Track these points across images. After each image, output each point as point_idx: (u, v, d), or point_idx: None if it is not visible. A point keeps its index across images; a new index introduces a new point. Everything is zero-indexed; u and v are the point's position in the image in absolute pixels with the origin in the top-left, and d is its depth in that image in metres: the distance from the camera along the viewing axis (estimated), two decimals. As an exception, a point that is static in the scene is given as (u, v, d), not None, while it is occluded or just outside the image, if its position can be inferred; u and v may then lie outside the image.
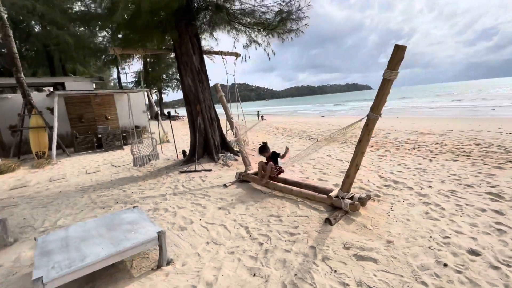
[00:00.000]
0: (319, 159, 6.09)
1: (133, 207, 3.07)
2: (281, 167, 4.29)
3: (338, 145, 7.72)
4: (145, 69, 31.57)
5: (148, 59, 28.33)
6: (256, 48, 7.13)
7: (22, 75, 8.39)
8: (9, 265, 2.61)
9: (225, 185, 4.48)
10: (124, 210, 2.97)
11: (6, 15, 7.98)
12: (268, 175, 4.19)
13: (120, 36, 5.48)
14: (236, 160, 6.48)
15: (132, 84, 34.82)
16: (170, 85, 37.46)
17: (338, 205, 3.20)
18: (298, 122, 16.99)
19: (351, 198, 3.21)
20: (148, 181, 5.23)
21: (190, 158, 6.48)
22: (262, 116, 25.00)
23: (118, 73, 31.00)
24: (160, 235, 2.33)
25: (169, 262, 2.42)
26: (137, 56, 5.49)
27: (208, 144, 6.53)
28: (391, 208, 3.25)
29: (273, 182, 4.12)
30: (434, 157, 5.41)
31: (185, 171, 5.64)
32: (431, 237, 2.55)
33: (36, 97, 9.75)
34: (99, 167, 6.99)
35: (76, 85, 11.90)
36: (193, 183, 4.82)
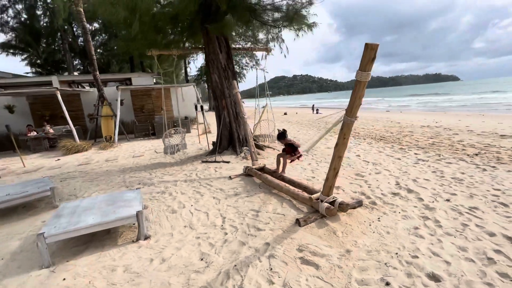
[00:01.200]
0: (345, 158, 5.80)
1: (136, 188, 3.66)
2: (299, 153, 4.37)
3: (378, 145, 7.17)
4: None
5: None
6: (279, 45, 7.13)
7: (97, 72, 10.26)
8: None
9: (230, 177, 4.79)
10: (128, 190, 3.58)
11: (88, 25, 9.81)
12: (281, 168, 4.38)
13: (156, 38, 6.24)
14: (258, 154, 6.71)
15: (195, 78, 37.94)
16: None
17: (316, 208, 3.15)
18: (347, 118, 15.95)
19: (332, 202, 3.12)
20: (173, 168, 5.93)
21: (215, 150, 6.99)
22: (317, 110, 24.24)
23: (186, 67, 33.87)
24: (138, 214, 2.79)
25: (146, 237, 2.87)
26: (174, 55, 6.14)
27: (232, 137, 6.92)
28: (378, 219, 3.03)
29: (269, 177, 4.22)
30: (494, 166, 4.59)
31: (206, 161, 6.16)
32: (397, 253, 2.35)
33: (108, 90, 11.75)
34: (144, 152, 8.17)
35: (140, 80, 13.81)
36: (206, 173, 5.28)
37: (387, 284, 1.97)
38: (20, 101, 11.00)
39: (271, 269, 2.22)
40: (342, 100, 59.39)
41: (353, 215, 3.12)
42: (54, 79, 11.85)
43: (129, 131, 11.76)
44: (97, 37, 24.56)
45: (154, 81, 13.90)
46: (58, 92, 9.02)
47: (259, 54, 29.64)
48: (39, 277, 2.32)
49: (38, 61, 25.45)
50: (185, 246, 2.66)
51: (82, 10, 9.42)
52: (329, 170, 2.98)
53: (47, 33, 23.61)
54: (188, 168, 5.79)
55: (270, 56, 7.24)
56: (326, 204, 3.04)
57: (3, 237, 3.18)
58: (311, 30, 6.35)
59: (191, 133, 12.16)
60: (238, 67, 36.28)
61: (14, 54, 24.32)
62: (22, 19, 22.21)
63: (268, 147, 7.52)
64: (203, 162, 6.17)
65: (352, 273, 2.11)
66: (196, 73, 39.23)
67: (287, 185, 3.89)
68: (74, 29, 23.50)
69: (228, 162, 6.03)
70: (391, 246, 2.47)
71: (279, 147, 7.39)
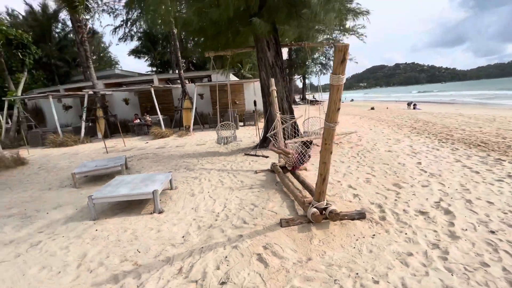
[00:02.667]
0: (399, 165, 5.12)
1: (169, 172, 4.45)
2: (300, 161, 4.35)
3: (464, 153, 5.94)
4: (290, 58, 34.10)
5: (292, 48, 30.45)
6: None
7: (182, 71, 12.19)
8: (112, 189, 4.71)
9: (255, 172, 5.07)
10: (161, 172, 4.40)
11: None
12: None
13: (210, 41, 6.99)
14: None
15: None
16: (314, 70, 38.24)
17: (306, 212, 3.10)
18: (460, 116, 12.63)
19: (325, 209, 2.99)
20: (218, 157, 6.65)
21: (260, 144, 7.35)
22: (414, 105, 20.90)
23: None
24: (154, 192, 3.49)
25: (160, 212, 3.56)
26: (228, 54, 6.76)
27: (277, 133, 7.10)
28: (373, 235, 2.74)
29: (282, 175, 4.28)
30: None
31: (247, 154, 6.61)
32: (357, 274, 2.16)
33: (190, 87, 13.74)
34: (207, 141, 9.33)
35: (218, 77, 15.44)
36: (240, 165, 5.72)
37: (318, 298, 1.91)
38: (132, 95, 14.30)
39: (226, 257, 2.45)
40: (459, 92, 48.29)
41: (346, 226, 2.91)
42: (155, 78, 14.79)
43: (205, 122, 13.49)
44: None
45: (231, 77, 15.28)
46: (152, 89, 11.31)
47: (346, 42, 27.70)
48: (85, 225, 3.32)
49: (156, 61, 31.77)
50: (180, 224, 3.18)
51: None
52: (318, 176, 2.88)
53: (162, 39, 29.10)
54: (230, 159, 6.38)
55: (363, 45, 6.89)
56: (314, 210, 2.95)
57: (84, 196, 4.54)
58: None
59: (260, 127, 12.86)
60: (324, 58, 34.85)
61: (139, 57, 31.24)
62: (143, 30, 27.96)
63: (317, 145, 7.31)
64: (245, 154, 6.65)
65: (293, 280, 2.11)
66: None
67: (295, 185, 3.89)
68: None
69: (267, 157, 6.29)
70: (359, 265, 2.27)
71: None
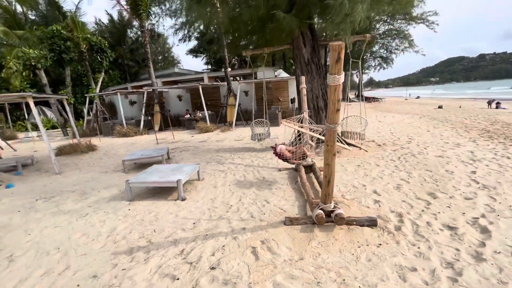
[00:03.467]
0: (447, 173, 4.62)
1: (197, 164, 4.85)
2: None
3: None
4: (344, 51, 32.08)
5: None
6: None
7: (229, 69, 12.77)
8: (152, 176, 5.36)
9: (279, 169, 5.12)
10: (190, 164, 4.82)
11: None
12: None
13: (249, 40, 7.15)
14: (339, 152, 6.44)
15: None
16: (373, 64, 35.31)
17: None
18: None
19: (332, 211, 2.93)
20: (250, 153, 6.88)
21: (294, 140, 7.30)
22: (497, 103, 17.59)
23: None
24: (177, 182, 3.88)
25: (183, 199, 3.95)
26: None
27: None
28: (379, 245, 2.59)
29: (301, 174, 4.24)
30: None
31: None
32: (344, 280, 2.10)
33: (235, 84, 14.28)
34: (245, 137, 9.65)
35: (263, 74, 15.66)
36: (268, 162, 5.83)
37: (294, 296, 1.94)
38: (185, 92, 15.59)
39: (223, 246, 2.64)
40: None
41: (353, 232, 2.80)
42: (205, 76, 15.82)
43: (249, 118, 13.89)
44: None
45: (276, 74, 15.34)
46: (200, 86, 12.17)
47: (412, 32, 25.05)
48: (122, 205, 3.91)
49: (211, 60, 33.79)
50: (195, 212, 3.50)
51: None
52: (323, 178, 2.83)
53: (216, 38, 30.77)
54: (260, 155, 6.54)
55: (435, 34, 6.37)
56: (318, 211, 2.91)
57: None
58: None
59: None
60: (385, 51, 31.88)
61: (196, 56, 33.63)
62: (200, 30, 29.87)
63: (355, 146, 6.94)
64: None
65: (277, 276, 2.18)
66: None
67: (315, 186, 3.84)
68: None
69: (298, 155, 6.25)
70: (350, 272, 2.20)
71: (366, 147, 6.67)
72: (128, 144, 10.07)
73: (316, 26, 6.55)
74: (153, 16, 16.18)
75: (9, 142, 11.72)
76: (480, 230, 2.76)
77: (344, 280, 2.10)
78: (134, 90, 14.86)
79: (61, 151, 8.32)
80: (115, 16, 26.95)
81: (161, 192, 4.32)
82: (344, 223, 2.84)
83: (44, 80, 13.23)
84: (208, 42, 31.44)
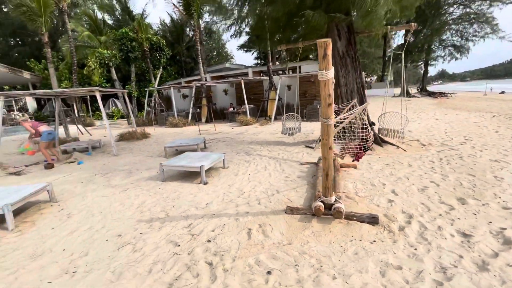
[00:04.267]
0: (496, 179, 4.19)
1: (223, 153, 5.27)
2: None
3: None
4: (406, 41, 29.00)
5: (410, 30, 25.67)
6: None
7: (270, 64, 12.95)
8: (186, 162, 6.01)
9: (300, 163, 5.20)
10: (215, 153, 5.27)
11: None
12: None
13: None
14: (371, 149, 6.16)
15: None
16: (442, 54, 30.96)
17: (314, 205, 3.15)
18: None
19: (332, 204, 2.98)
20: (279, 146, 7.04)
21: (326, 137, 7.20)
22: None
23: (385, 47, 30.76)
24: (201, 167, 4.35)
25: (205, 183, 4.40)
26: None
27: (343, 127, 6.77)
28: (373, 241, 2.59)
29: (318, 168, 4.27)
30: None
31: (307, 146, 6.68)
32: (321, 266, 2.21)
33: (276, 79, 14.36)
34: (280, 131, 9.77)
35: (307, 68, 15.36)
36: (294, 155, 5.93)
37: (269, 272, 2.15)
38: (230, 87, 16.36)
39: (224, 225, 2.96)
40: None
41: (351, 227, 2.82)
42: (250, 71, 16.29)
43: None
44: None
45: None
46: (242, 81, 12.67)
47: (498, 15, 21.51)
48: (155, 184, 4.56)
49: (260, 54, 34.34)
50: (211, 195, 3.90)
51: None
52: (322, 171, 2.90)
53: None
54: (289, 149, 6.66)
55: None
56: (318, 203, 3.00)
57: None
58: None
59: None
60: (460, 39, 27.61)
61: (247, 51, 34.53)
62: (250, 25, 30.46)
63: (392, 144, 6.51)
64: (305, 146, 6.75)
65: (261, 255, 2.40)
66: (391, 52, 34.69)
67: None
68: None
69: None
70: (331, 261, 2.28)
71: (406, 146, 6.22)
72: (175, 133, 11.20)
73: (353, 17, 6.27)
74: (208, 14, 17.29)
75: (87, 128, 14.14)
76: (502, 241, 2.50)
77: (321, 266, 2.21)
78: (186, 85, 16.23)
79: (121, 137, 9.77)
80: (175, 16, 29.38)
81: (190, 176, 4.86)
82: (342, 217, 2.87)
83: (114, 76, 15.47)
84: (257, 37, 32.12)
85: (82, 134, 12.88)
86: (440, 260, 2.25)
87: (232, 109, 14.68)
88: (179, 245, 2.60)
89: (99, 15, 21.68)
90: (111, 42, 16.26)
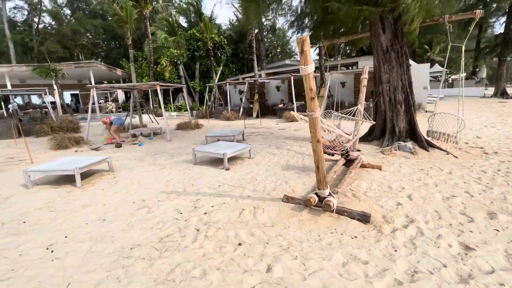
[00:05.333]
0: None
1: (249, 144, 5.65)
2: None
3: None
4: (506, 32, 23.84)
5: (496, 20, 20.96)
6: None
7: (322, 59, 12.64)
8: (221, 150, 6.63)
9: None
10: (242, 143, 5.69)
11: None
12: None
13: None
14: (412, 153, 5.66)
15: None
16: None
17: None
18: None
19: (325, 197, 3.05)
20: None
21: (366, 136, 6.81)
22: None
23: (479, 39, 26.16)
24: (223, 155, 4.84)
25: (227, 169, 4.88)
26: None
27: (385, 128, 6.32)
28: (353, 237, 2.60)
29: (340, 166, 4.25)
30: None
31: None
32: (288, 247, 2.39)
33: (328, 75, 13.81)
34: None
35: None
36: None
37: (239, 244, 2.45)
38: (282, 83, 16.55)
39: (224, 203, 3.35)
40: None
41: (339, 221, 2.87)
42: (263, 73, 16.13)
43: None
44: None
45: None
46: (292, 77, 12.72)
47: None
48: (188, 165, 5.26)
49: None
50: (227, 179, 4.34)
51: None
52: (315, 164, 2.99)
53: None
54: (321, 146, 6.62)
55: None
56: (311, 195, 3.10)
57: (205, 150, 6.74)
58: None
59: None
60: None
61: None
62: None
63: (441, 149, 5.79)
64: (339, 144, 6.58)
65: (241, 230, 2.70)
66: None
67: (338, 177, 3.88)
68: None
69: (358, 150, 5.96)
70: (301, 245, 2.43)
71: (462, 153, 5.49)
72: (225, 125, 12.12)
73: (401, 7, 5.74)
74: (270, 12, 17.79)
75: (157, 118, 16.45)
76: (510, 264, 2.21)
77: (288, 248, 2.39)
78: (240, 81, 17.16)
79: (179, 126, 11.16)
80: (240, 16, 30.93)
81: (218, 162, 5.42)
82: (330, 210, 2.92)
83: (181, 72, 17.50)
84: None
85: (153, 122, 15.10)
86: (417, 264, 2.16)
87: (282, 105, 14.91)
88: (181, 213, 3.11)
89: (175, 18, 24.60)
90: (183, 42, 18.40)
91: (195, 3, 25.20)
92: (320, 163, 2.89)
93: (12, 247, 2.53)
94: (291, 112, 3.71)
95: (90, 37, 34.32)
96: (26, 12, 30.40)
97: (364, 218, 2.83)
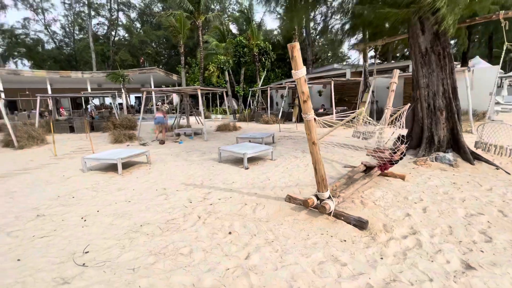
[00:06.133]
0: None
1: (271, 146, 5.83)
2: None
3: None
4: None
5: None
6: None
7: (367, 63, 12.03)
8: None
9: (344, 166, 5.04)
10: (264, 145, 5.88)
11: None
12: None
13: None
14: (452, 165, 5.14)
15: None
16: None
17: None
18: None
19: (323, 200, 3.08)
20: (342, 150, 6.82)
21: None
22: None
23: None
24: (244, 155, 5.13)
25: (246, 168, 5.15)
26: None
27: (422, 136, 5.82)
28: (342, 240, 2.61)
29: (358, 172, 4.16)
30: None
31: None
32: (273, 241, 2.52)
33: (372, 79, 13.00)
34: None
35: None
36: (347, 159, 5.74)
37: (230, 233, 2.67)
38: (323, 88, 16.19)
39: (230, 197, 3.61)
40: None
41: (332, 224, 2.88)
42: (348, 71, 15.47)
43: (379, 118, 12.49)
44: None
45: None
46: (332, 82, 12.40)
47: None
48: (213, 163, 5.69)
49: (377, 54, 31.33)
50: (242, 176, 4.60)
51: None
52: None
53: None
54: (348, 152, 6.40)
55: None
56: (310, 196, 3.15)
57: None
58: None
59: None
60: None
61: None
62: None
63: (490, 163, 5.10)
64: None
65: (235, 222, 2.93)
66: None
67: (353, 183, 3.83)
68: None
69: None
70: (287, 241, 2.55)
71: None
72: (261, 128, 12.45)
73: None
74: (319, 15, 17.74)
75: (204, 120, 17.71)
76: (520, 288, 1.99)
77: (273, 241, 2.54)
78: (280, 86, 17.36)
79: (219, 128, 11.91)
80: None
81: (240, 161, 5.73)
82: (326, 212, 2.94)
83: (227, 78, 18.52)
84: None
85: (198, 123, 16.34)
86: (399, 274, 2.10)
87: (322, 110, 14.61)
88: (191, 202, 3.49)
89: (226, 26, 26.14)
90: (232, 49, 19.50)
91: (246, 11, 26.41)
92: (318, 165, 2.95)
93: (59, 214, 3.22)
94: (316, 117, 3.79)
95: (154, 46, 38.66)
96: (106, 27, 35.91)
97: (359, 224, 2.78)
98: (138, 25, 39.52)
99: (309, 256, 2.31)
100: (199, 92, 9.30)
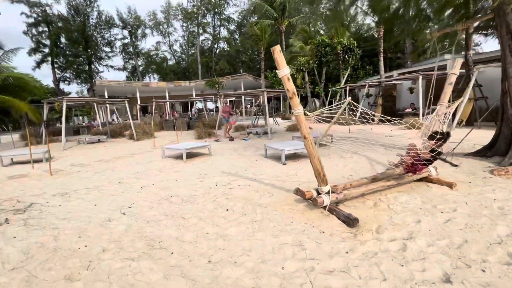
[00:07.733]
0: None
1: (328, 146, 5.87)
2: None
3: None
4: None
5: None
6: None
7: (471, 51, 9.70)
8: (299, 150, 7.13)
9: (388, 163, 4.59)
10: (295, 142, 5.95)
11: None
12: None
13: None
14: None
15: None
16: None
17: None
18: None
19: (319, 194, 3.16)
20: (389, 150, 6.03)
21: (482, 150, 5.08)
22: None
23: None
24: (282, 151, 5.46)
25: (283, 164, 5.46)
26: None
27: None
28: (329, 234, 2.69)
29: (392, 172, 3.88)
30: None
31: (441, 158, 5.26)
32: (254, 222, 2.87)
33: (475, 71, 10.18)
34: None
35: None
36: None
37: (227, 210, 3.19)
38: (412, 84, 13.92)
39: (249, 185, 4.09)
40: None
41: (324, 218, 2.96)
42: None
43: (491, 119, 9.75)
44: None
45: None
46: (420, 77, 10.59)
47: None
48: (258, 158, 6.26)
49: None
50: (273, 170, 4.96)
51: None
52: (312, 161, 3.16)
53: None
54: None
55: None
56: (310, 190, 3.27)
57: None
58: None
59: None
60: None
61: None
62: None
63: None
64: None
65: (238, 203, 3.41)
66: None
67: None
68: None
69: (456, 166, 4.74)
70: (268, 223, 2.85)
71: None
72: (331, 129, 12.02)
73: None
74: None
75: (284, 121, 18.49)
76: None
77: (255, 221, 2.91)
78: (360, 84, 15.98)
79: (288, 128, 12.34)
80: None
81: (296, 156, 6.05)
82: (318, 205, 3.03)
83: (306, 78, 18.59)
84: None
85: (275, 124, 17.21)
86: (352, 267, 2.11)
87: (410, 109, 12.69)
88: (216, 185, 4.19)
89: (311, 27, 26.03)
90: (314, 49, 19.46)
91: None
92: (313, 160, 3.06)
93: (131, 183, 4.56)
94: (307, 112, 3.87)
95: (249, 53, 42.47)
96: (210, 42, 42.17)
97: (347, 220, 2.75)
98: (237, 36, 44.41)
99: (277, 237, 2.55)
100: (265, 95, 10.04)
